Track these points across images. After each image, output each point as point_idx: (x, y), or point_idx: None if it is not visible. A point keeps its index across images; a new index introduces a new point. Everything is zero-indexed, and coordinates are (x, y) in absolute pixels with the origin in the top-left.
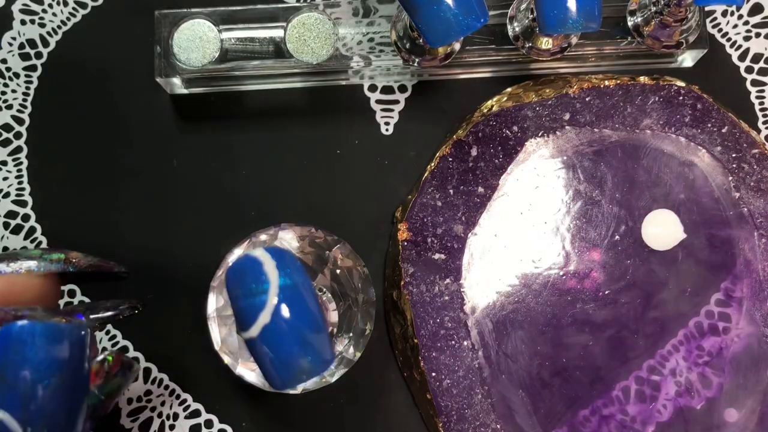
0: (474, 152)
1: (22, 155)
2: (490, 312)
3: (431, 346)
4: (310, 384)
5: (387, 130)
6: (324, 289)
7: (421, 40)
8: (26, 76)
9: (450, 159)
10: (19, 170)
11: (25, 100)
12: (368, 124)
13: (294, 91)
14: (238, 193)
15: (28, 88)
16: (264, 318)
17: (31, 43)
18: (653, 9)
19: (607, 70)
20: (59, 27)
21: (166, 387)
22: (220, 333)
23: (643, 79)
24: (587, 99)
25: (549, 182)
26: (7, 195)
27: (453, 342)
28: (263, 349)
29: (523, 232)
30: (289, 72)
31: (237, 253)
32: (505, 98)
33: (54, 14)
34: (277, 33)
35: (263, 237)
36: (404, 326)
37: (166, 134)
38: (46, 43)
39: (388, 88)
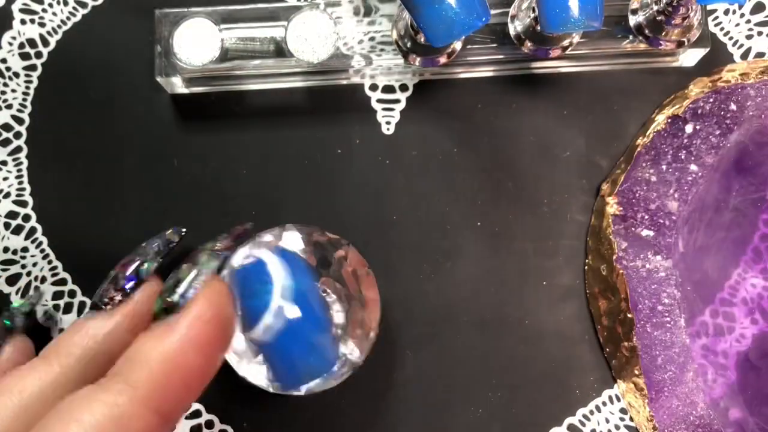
0: (689, 129)
1: (22, 155)
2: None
3: (646, 322)
4: (314, 385)
5: (388, 129)
6: (328, 291)
7: (422, 39)
8: (26, 75)
9: (665, 135)
10: (19, 170)
11: (25, 99)
12: (369, 123)
13: (294, 91)
14: (239, 192)
15: (28, 87)
16: (268, 319)
17: (31, 42)
18: (655, 8)
19: (609, 69)
20: (59, 26)
21: None
22: None
23: None
24: None
25: None
26: (7, 195)
27: (668, 318)
28: (267, 349)
29: None
30: (289, 71)
31: (241, 253)
32: (727, 75)
33: (54, 14)
34: (278, 32)
35: (267, 237)
36: (614, 301)
37: (166, 134)
38: (46, 43)
39: (389, 88)
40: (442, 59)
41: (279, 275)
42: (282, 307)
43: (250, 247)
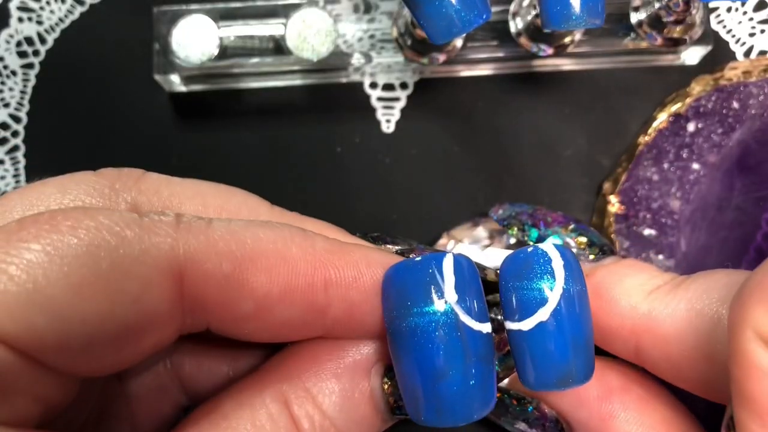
0: (691, 127)
1: (20, 154)
2: None
3: None
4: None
5: (388, 128)
6: None
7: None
8: (24, 74)
9: (666, 133)
10: (17, 169)
11: (22, 98)
12: (369, 121)
13: (294, 89)
14: None
15: (25, 86)
16: (542, 314)
17: (29, 40)
18: (657, 5)
19: (610, 67)
20: (57, 24)
21: None
22: None
23: None
24: None
25: None
26: None
27: None
28: (529, 344)
29: None
30: (288, 69)
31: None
32: (729, 73)
33: (52, 11)
34: (277, 30)
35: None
36: None
37: (164, 132)
38: (43, 41)
39: (389, 86)
40: (443, 57)
41: (561, 274)
42: (559, 307)
43: (447, 239)
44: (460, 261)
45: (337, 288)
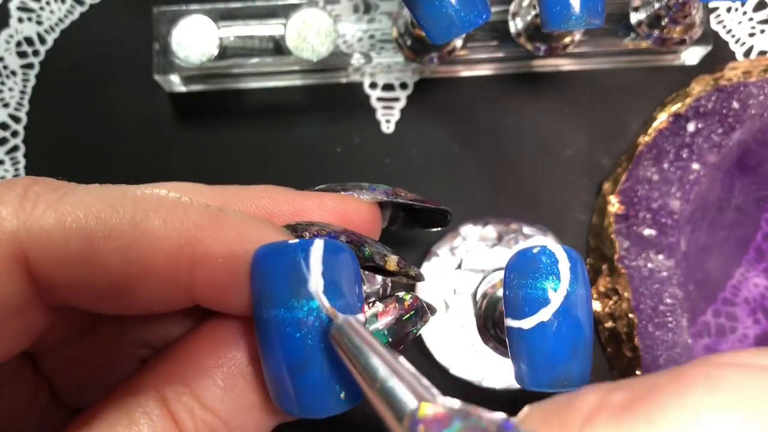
0: (691, 127)
1: (20, 154)
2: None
3: (648, 322)
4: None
5: (388, 128)
6: None
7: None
8: (23, 74)
9: (667, 133)
10: (17, 169)
11: (22, 98)
12: (369, 122)
13: (293, 89)
14: None
15: (25, 86)
16: (543, 314)
17: (29, 41)
18: (657, 5)
19: (610, 67)
20: (57, 24)
21: None
22: None
23: None
24: None
25: None
26: None
27: (670, 318)
28: (528, 344)
29: None
30: (288, 69)
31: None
32: (731, 73)
33: (51, 11)
34: (277, 30)
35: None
36: (616, 301)
37: (164, 132)
38: (43, 41)
39: (389, 86)
40: (443, 57)
41: (567, 276)
42: (561, 308)
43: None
44: (333, 248)
45: (203, 268)
